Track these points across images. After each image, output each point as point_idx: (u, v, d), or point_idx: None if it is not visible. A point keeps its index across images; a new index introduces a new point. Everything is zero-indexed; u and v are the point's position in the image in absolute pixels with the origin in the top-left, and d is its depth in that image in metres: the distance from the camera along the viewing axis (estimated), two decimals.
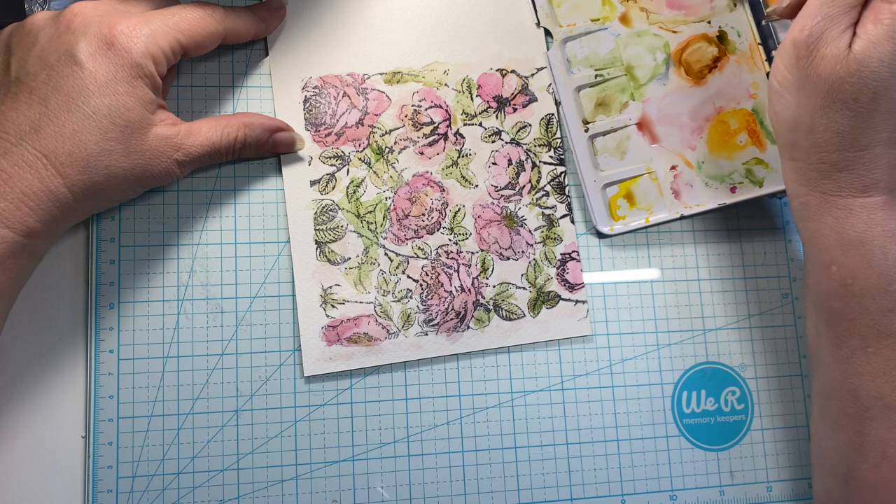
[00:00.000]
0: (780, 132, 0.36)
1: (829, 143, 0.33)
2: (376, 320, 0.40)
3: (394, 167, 0.41)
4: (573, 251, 0.43)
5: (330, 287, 0.40)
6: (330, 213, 0.41)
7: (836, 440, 0.36)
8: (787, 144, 0.35)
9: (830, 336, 0.36)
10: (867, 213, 0.33)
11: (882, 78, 0.31)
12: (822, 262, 0.35)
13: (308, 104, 0.41)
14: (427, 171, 0.42)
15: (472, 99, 0.43)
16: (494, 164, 0.43)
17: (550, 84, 0.43)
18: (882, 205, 0.34)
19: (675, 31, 0.44)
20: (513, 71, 0.43)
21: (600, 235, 0.43)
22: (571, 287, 0.42)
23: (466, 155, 0.42)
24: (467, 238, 0.42)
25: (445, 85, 0.43)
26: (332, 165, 0.41)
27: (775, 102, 0.35)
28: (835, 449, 0.36)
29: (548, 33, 0.44)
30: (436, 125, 0.42)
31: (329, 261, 0.40)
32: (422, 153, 0.42)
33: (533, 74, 0.43)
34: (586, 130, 0.43)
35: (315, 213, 0.40)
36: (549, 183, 0.43)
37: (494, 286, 0.41)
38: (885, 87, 0.31)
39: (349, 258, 0.40)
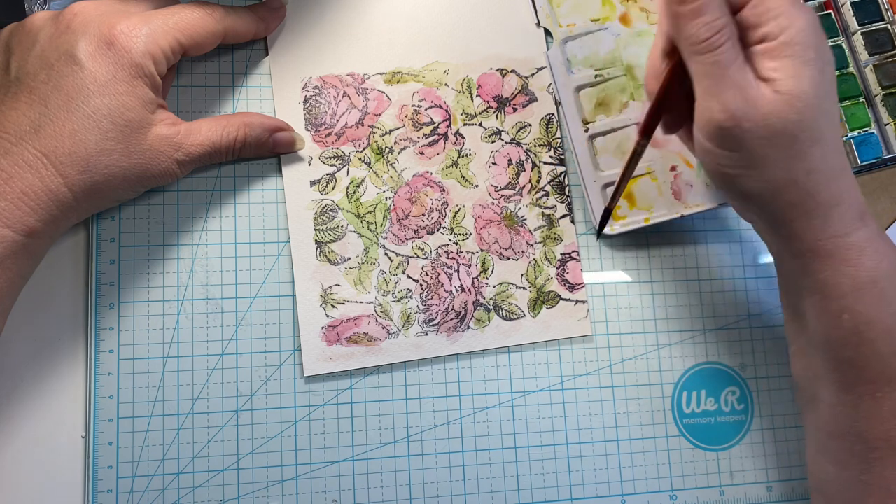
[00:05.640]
0: (762, 207, 0.34)
1: (817, 184, 0.32)
2: (376, 320, 0.40)
3: (394, 167, 0.41)
4: (573, 251, 0.43)
5: (330, 287, 0.40)
6: (330, 213, 0.41)
7: (839, 476, 0.35)
8: (775, 213, 0.34)
9: (837, 381, 0.35)
10: (873, 247, 0.33)
11: (820, 95, 0.31)
12: (833, 312, 0.33)
13: (308, 104, 0.41)
14: (427, 171, 0.42)
15: (472, 99, 0.43)
16: (494, 164, 0.43)
17: (550, 84, 0.43)
18: (878, 233, 0.33)
19: None
20: (513, 71, 0.43)
21: (600, 235, 0.43)
22: (571, 287, 0.42)
23: (466, 155, 0.42)
24: (467, 238, 0.42)
25: (445, 85, 0.43)
26: (332, 165, 0.41)
27: (742, 185, 0.33)
28: (837, 483, 0.36)
29: (548, 33, 0.44)
30: (436, 125, 0.42)
31: (329, 261, 0.40)
32: (422, 153, 0.42)
33: (533, 74, 0.43)
34: (586, 130, 0.43)
35: (315, 213, 0.40)
36: (549, 183, 0.43)
37: (494, 286, 0.41)
38: (822, 104, 0.31)
39: (349, 258, 0.40)
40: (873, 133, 0.44)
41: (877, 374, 0.33)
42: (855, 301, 0.33)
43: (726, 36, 0.31)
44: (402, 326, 0.40)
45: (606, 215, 0.41)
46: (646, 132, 0.36)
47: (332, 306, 0.40)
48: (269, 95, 0.41)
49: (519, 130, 0.43)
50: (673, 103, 0.35)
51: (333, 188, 0.41)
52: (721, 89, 0.31)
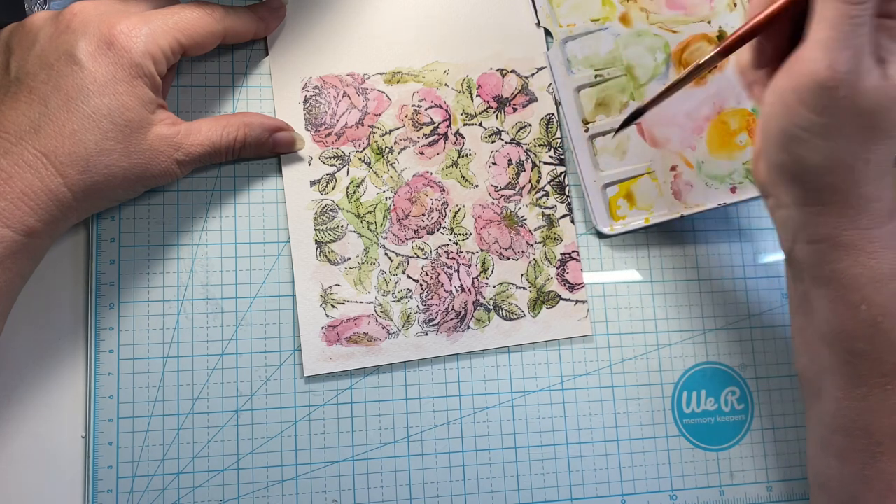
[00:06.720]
0: (805, 182, 0.32)
1: (868, 176, 0.31)
2: (376, 320, 0.40)
3: (394, 167, 0.41)
4: (573, 251, 0.43)
5: (330, 287, 0.40)
6: (330, 213, 0.41)
7: (841, 470, 0.35)
8: (814, 193, 0.32)
9: (846, 375, 0.34)
10: None
11: None
12: (851, 303, 0.32)
13: (308, 104, 0.41)
14: (427, 171, 0.42)
15: (472, 99, 0.43)
16: (494, 164, 0.43)
17: (550, 84, 0.43)
18: None
19: (675, 31, 0.44)
20: (513, 71, 0.43)
21: (600, 235, 0.43)
22: (571, 287, 0.42)
23: (466, 155, 0.42)
24: (467, 238, 0.42)
25: (445, 85, 0.43)
26: (332, 165, 0.41)
27: (803, 153, 0.31)
28: (838, 479, 0.36)
29: (548, 33, 0.44)
30: (436, 125, 0.42)
31: (329, 261, 0.40)
32: (422, 153, 0.42)
33: (533, 74, 0.43)
34: (586, 130, 0.43)
35: (315, 213, 0.40)
36: (549, 183, 0.43)
37: (494, 286, 0.41)
38: None
39: (349, 258, 0.40)
40: None
41: (891, 367, 0.33)
42: (874, 292, 0.32)
43: None
44: (402, 326, 0.40)
45: (637, 115, 0.38)
46: (726, 50, 0.32)
47: (332, 306, 0.40)
48: (269, 95, 0.41)
49: (519, 130, 0.43)
50: (773, 33, 0.32)
51: (333, 188, 0.41)
52: (840, 46, 0.28)
